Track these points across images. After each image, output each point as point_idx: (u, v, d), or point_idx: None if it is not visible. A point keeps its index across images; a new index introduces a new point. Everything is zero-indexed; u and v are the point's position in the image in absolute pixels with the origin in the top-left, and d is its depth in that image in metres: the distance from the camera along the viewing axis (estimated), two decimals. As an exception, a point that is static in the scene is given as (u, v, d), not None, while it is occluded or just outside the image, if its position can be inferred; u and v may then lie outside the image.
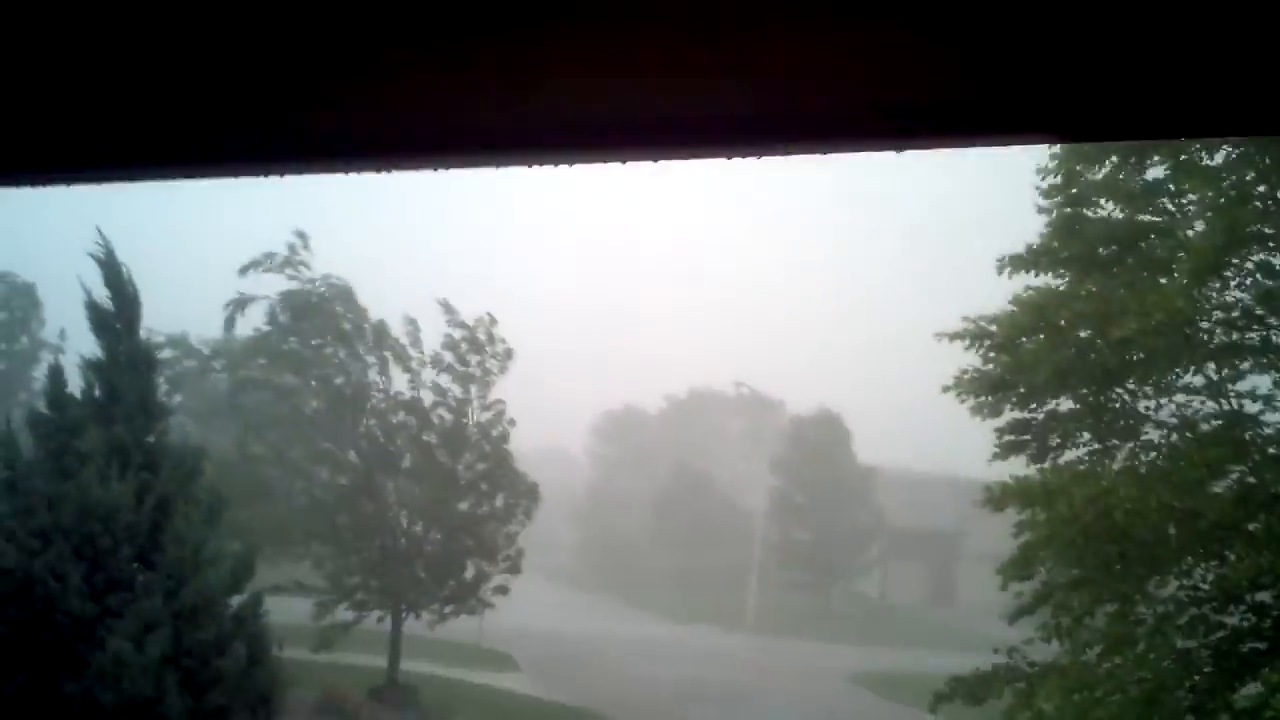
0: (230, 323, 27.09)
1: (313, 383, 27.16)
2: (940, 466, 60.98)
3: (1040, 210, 14.39)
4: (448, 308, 27.27)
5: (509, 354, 27.29)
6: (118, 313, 14.52)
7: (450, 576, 26.77)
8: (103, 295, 14.71)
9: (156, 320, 25.85)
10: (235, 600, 13.93)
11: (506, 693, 30.26)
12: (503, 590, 27.36)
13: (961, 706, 15.37)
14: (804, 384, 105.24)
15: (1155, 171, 13.91)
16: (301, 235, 26.91)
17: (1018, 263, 14.33)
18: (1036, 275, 14.47)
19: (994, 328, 14.42)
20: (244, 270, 26.73)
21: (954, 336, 14.70)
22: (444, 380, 27.34)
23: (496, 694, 29.77)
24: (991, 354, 14.73)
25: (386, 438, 27.19)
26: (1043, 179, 14.25)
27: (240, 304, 26.89)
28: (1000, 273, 14.40)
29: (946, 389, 15.24)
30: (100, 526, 12.56)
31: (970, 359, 14.88)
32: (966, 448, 17.28)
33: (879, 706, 35.13)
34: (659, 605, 55.94)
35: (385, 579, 26.39)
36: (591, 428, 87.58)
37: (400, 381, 27.49)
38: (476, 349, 27.13)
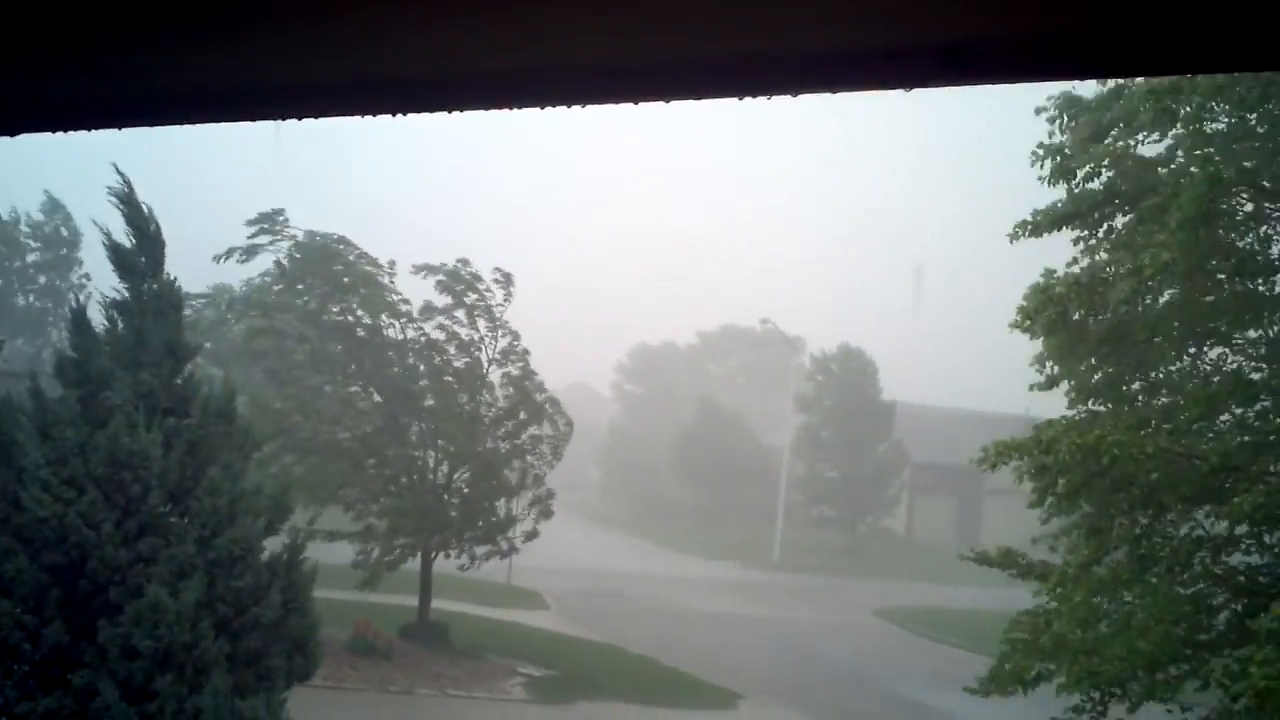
0: (250, 254, 26.98)
1: (318, 330, 27.12)
2: (965, 401, 61.02)
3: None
4: (427, 267, 27.24)
5: (509, 278, 27.18)
6: (140, 251, 14.10)
7: (479, 516, 26.93)
8: (124, 235, 14.09)
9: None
10: (274, 544, 13.97)
11: (535, 630, 30.58)
12: (533, 535, 27.54)
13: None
14: (828, 321, 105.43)
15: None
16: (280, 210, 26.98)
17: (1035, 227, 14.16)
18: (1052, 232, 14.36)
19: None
20: (250, 223, 26.69)
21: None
22: (447, 321, 27.33)
23: (526, 631, 30.08)
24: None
25: (406, 380, 27.25)
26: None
27: (250, 252, 26.87)
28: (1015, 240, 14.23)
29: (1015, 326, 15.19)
30: (130, 474, 12.63)
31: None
32: (992, 383, 17.27)
33: (903, 640, 35.35)
34: (686, 542, 56.24)
35: (413, 520, 26.57)
36: (618, 364, 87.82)
37: (409, 326, 27.57)
38: (469, 286, 27.04)
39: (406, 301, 27.22)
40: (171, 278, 14.29)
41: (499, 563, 28.25)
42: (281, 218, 26.87)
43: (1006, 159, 14.32)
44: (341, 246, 27.00)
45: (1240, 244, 13.66)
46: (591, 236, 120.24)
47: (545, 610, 34.11)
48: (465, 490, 26.93)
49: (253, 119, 2.01)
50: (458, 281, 26.98)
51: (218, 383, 14.73)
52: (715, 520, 62.69)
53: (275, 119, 2.02)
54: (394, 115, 1.90)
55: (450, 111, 1.84)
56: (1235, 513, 12.02)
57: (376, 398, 27.39)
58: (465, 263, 27.11)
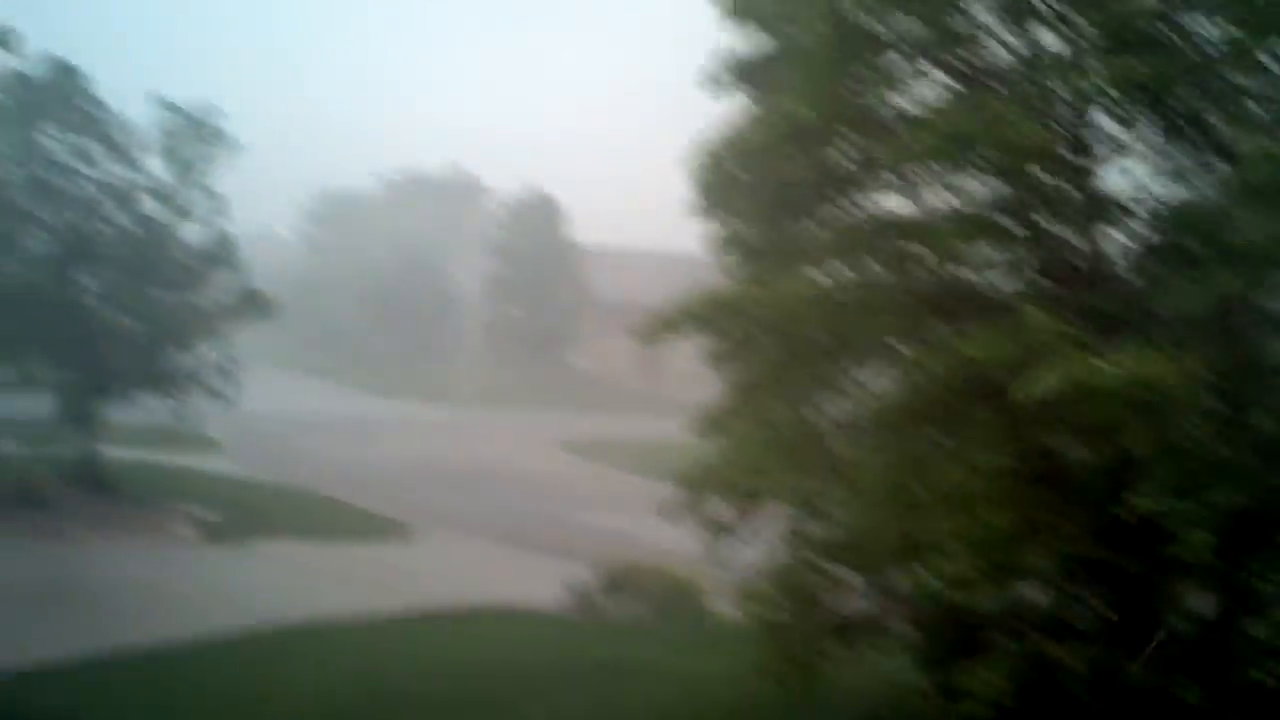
0: None
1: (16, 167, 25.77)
2: (647, 242, 62.26)
3: None
4: (165, 103, 26.28)
5: (232, 143, 26.61)
6: None
7: (152, 365, 26.20)
8: None
9: None
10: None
11: (210, 474, 30.04)
12: (220, 394, 26.90)
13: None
14: (516, 164, 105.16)
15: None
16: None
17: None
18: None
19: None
20: None
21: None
22: (159, 168, 26.66)
23: (200, 475, 29.56)
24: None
25: (89, 226, 26.15)
26: None
27: None
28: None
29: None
30: None
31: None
32: (673, 223, 17.40)
33: (583, 468, 36.49)
34: (375, 383, 56.02)
35: (79, 368, 25.68)
36: (302, 209, 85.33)
37: (113, 171, 26.48)
38: (196, 137, 26.21)
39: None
40: None
41: (174, 408, 27.50)
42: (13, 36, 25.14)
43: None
44: (68, 77, 25.61)
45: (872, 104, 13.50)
46: (261, 71, 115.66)
47: (221, 455, 33.39)
48: (137, 341, 26.11)
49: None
50: (188, 127, 26.00)
51: None
52: (405, 362, 62.48)
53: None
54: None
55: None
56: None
57: (49, 244, 26.19)
58: (217, 110, 26.22)
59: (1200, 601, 10.97)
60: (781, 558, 11.93)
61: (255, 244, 29.61)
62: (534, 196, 65.26)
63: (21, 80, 25.66)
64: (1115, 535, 10.37)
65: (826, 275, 13.08)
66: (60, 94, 25.80)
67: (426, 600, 19.17)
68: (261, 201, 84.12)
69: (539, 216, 63.90)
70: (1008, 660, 9.91)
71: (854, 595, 11.53)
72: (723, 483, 13.64)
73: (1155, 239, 11.39)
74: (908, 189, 12.56)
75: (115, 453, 27.48)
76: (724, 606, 15.90)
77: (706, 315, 13.02)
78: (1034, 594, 10.71)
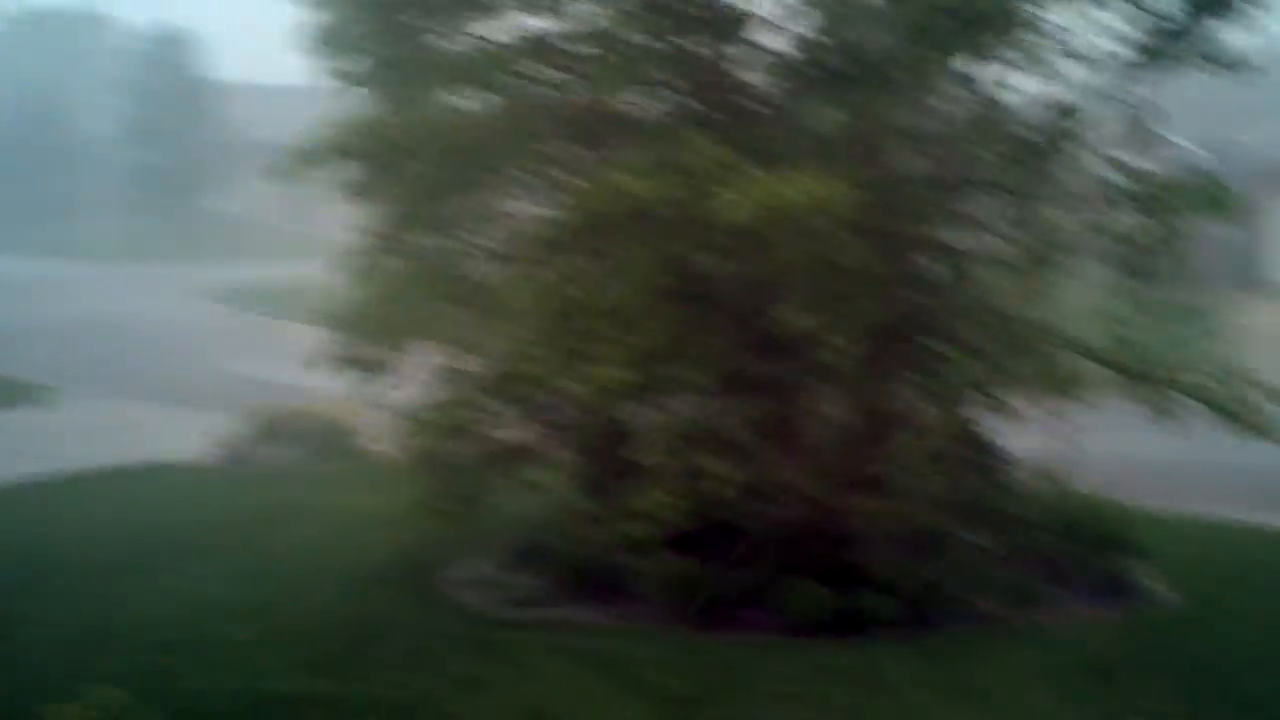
0: None
1: None
2: (290, 75, 59.98)
3: None
4: None
5: None
6: None
7: None
8: None
9: None
10: None
11: None
12: None
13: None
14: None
15: None
16: None
17: None
18: None
19: None
20: None
21: None
22: None
23: None
24: None
25: None
26: None
27: None
28: None
29: None
30: None
31: None
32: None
33: (232, 317, 35.41)
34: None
35: None
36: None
37: None
38: None
39: None
40: None
41: None
42: None
43: None
44: None
45: None
46: None
47: None
48: None
49: None
50: None
51: None
52: (32, 216, 58.46)
53: None
54: None
55: None
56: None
57: None
58: None
59: (846, 412, 11.43)
60: (438, 393, 11.69)
61: None
62: (166, 30, 61.74)
63: None
64: (764, 349, 10.61)
65: (468, 100, 12.75)
66: None
67: (72, 463, 18.02)
68: None
69: (173, 52, 60.52)
70: (670, 478, 10.01)
71: (514, 424, 11.40)
72: (374, 322, 13.32)
73: (803, 61, 11.47)
74: (548, 6, 12.30)
75: None
76: (382, 446, 15.63)
77: (346, 146, 12.45)
78: (689, 409, 10.87)
